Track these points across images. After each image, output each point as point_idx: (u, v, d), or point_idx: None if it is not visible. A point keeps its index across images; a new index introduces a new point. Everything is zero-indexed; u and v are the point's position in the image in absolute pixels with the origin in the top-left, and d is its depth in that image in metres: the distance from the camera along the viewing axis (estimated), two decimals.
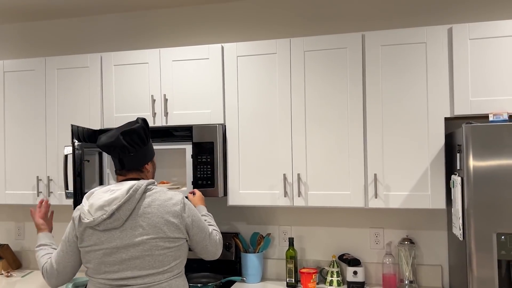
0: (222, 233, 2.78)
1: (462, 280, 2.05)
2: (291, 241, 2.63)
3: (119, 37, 3.11)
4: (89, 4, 2.94)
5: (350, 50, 2.36)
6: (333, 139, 2.38)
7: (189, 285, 2.50)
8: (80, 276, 2.80)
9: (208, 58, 2.55)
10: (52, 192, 2.75)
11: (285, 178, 2.43)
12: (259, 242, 2.69)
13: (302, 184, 2.42)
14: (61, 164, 2.73)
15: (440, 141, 2.24)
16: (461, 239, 2.01)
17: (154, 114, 2.61)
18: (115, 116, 2.68)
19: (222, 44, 2.54)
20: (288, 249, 2.62)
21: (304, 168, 2.41)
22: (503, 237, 1.85)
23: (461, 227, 1.99)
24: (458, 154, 2.05)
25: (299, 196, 2.41)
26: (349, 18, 2.73)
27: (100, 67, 2.70)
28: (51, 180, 2.75)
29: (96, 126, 2.69)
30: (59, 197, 2.73)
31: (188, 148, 2.48)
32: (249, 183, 2.48)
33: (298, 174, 2.41)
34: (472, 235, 1.88)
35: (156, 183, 1.89)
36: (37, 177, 2.76)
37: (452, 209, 2.16)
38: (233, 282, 2.64)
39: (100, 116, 2.70)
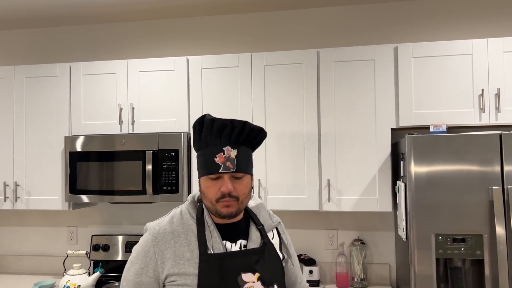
0: None
1: (407, 277, 2.25)
2: None
3: (88, 47, 3.19)
4: (59, 15, 3.02)
5: (306, 65, 2.55)
6: (291, 147, 2.56)
7: None
8: (44, 279, 2.86)
9: (174, 70, 2.68)
10: (19, 197, 2.80)
11: None
12: None
13: (262, 189, 2.57)
14: (29, 169, 2.79)
15: (386, 150, 2.45)
16: (404, 239, 2.21)
17: (121, 122, 2.72)
18: (83, 123, 2.76)
19: (187, 57, 2.68)
20: None
21: (264, 174, 2.57)
22: (440, 237, 2.05)
23: (404, 228, 2.19)
24: (402, 162, 2.26)
25: None
26: (306, 36, 2.92)
27: (68, 76, 2.79)
28: (18, 185, 2.80)
29: (64, 133, 2.77)
30: (26, 202, 2.79)
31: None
32: None
33: (259, 180, 2.57)
34: (414, 236, 2.08)
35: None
36: (4, 182, 2.81)
37: (397, 212, 2.37)
38: None
39: (68, 123, 2.78)
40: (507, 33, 2.71)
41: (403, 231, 2.21)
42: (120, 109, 2.72)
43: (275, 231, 1.47)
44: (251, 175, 1.38)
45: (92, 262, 2.97)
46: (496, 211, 1.98)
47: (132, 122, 2.71)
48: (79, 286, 2.50)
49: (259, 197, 2.56)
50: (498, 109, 2.34)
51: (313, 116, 2.53)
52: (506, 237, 1.97)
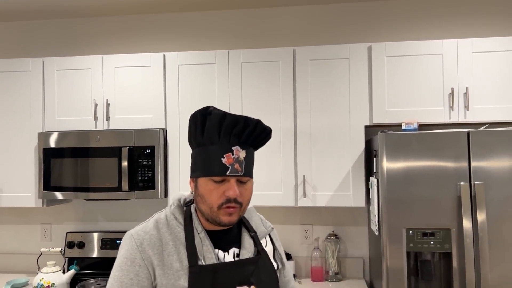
0: None
1: (379, 270, 2.32)
2: None
3: (62, 42, 3.14)
4: (33, 8, 2.96)
5: (283, 63, 2.58)
6: (268, 144, 2.58)
7: None
8: (17, 278, 2.82)
9: (150, 66, 2.67)
10: None
11: None
12: None
13: None
14: (1, 165, 2.74)
15: (360, 147, 2.51)
16: (377, 234, 2.27)
17: (96, 118, 2.69)
18: (57, 119, 2.72)
19: (164, 53, 2.67)
20: None
21: None
22: (411, 231, 2.12)
23: (377, 223, 2.25)
24: (375, 159, 2.32)
25: None
26: (282, 34, 2.95)
27: (42, 71, 2.74)
28: None
29: (38, 129, 2.72)
30: None
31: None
32: (189, 185, 2.63)
33: None
34: (386, 230, 2.14)
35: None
36: None
37: (370, 207, 2.44)
38: None
39: (41, 119, 2.73)
40: (476, 34, 2.80)
41: (376, 225, 2.27)
42: (95, 105, 2.69)
43: (268, 238, 1.36)
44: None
45: (66, 259, 2.94)
46: (463, 206, 2.05)
47: (108, 118, 2.68)
48: (53, 284, 2.48)
49: None
50: (467, 107, 2.42)
51: (289, 113, 2.56)
52: (473, 231, 2.05)
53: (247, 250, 1.25)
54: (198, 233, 1.21)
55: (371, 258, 2.70)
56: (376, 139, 2.29)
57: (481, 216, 2.03)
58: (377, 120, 2.49)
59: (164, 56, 2.67)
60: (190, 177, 1.23)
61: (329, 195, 2.52)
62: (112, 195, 2.59)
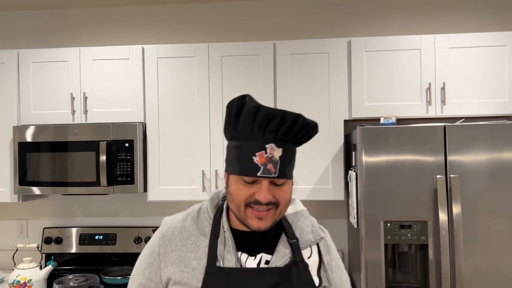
0: (142, 227, 2.88)
1: (358, 262, 2.35)
2: None
3: (37, 34, 3.07)
4: None
5: (263, 57, 2.57)
6: None
7: (110, 279, 2.59)
8: None
9: (128, 59, 2.63)
10: None
11: (203, 174, 2.59)
12: None
13: (219, 179, 2.59)
14: None
15: (339, 141, 2.53)
16: (356, 226, 2.30)
17: (73, 112, 2.64)
18: (33, 113, 2.67)
19: (143, 46, 2.64)
20: None
21: (221, 164, 2.59)
22: (388, 224, 2.15)
23: (355, 216, 2.28)
24: (353, 152, 2.35)
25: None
26: (263, 27, 2.95)
27: (17, 63, 2.67)
28: None
29: (12, 123, 2.66)
30: None
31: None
32: (169, 179, 2.61)
33: (216, 170, 2.59)
34: (364, 223, 2.17)
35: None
36: None
37: (349, 200, 2.46)
38: None
39: (16, 113, 2.67)
40: (453, 30, 2.84)
41: (354, 218, 2.29)
42: (73, 98, 2.64)
43: (315, 248, 1.16)
44: (292, 178, 1.11)
45: (44, 255, 2.89)
46: (439, 199, 2.09)
47: (85, 111, 2.64)
48: (30, 280, 2.44)
49: (216, 188, 2.58)
50: (443, 102, 2.46)
51: (270, 106, 2.56)
52: (448, 223, 2.09)
53: (279, 258, 1.10)
54: (224, 231, 1.11)
55: (350, 250, 2.74)
56: (355, 133, 2.31)
57: (456, 209, 2.08)
58: (356, 115, 2.51)
59: (143, 48, 2.63)
60: (224, 171, 1.12)
61: (309, 189, 2.54)
62: (90, 190, 2.56)
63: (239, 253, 1.10)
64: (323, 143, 2.54)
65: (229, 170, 1.08)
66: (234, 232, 1.12)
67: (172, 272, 1.10)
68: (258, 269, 1.08)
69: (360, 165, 2.19)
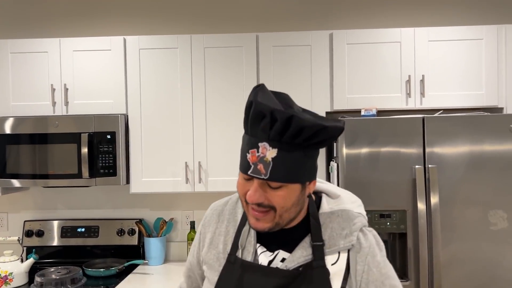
0: (125, 219, 2.88)
1: None
2: (192, 224, 2.82)
3: (16, 24, 3.01)
4: None
5: (246, 49, 2.58)
6: (231, 129, 2.59)
7: (92, 271, 2.59)
8: None
9: (110, 50, 2.61)
10: None
11: (186, 166, 2.59)
12: (162, 227, 2.84)
13: (202, 171, 2.60)
14: None
15: None
16: None
17: (54, 103, 2.61)
18: (12, 104, 2.62)
19: (124, 37, 2.62)
20: (190, 231, 2.81)
21: (204, 156, 2.60)
22: (368, 213, 2.19)
23: None
24: (335, 144, 2.38)
25: (199, 182, 2.60)
26: (246, 19, 2.95)
27: None
28: None
29: None
30: None
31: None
32: (152, 171, 2.61)
33: (199, 162, 2.59)
34: None
35: None
36: None
37: None
38: (137, 265, 2.77)
39: None
40: (432, 23, 2.89)
41: None
42: (53, 90, 2.61)
43: (344, 255, 1.04)
44: (301, 183, 0.98)
45: (25, 248, 2.87)
46: (418, 189, 2.15)
47: (66, 103, 2.61)
48: (11, 273, 2.42)
49: (200, 179, 2.59)
50: (423, 94, 2.51)
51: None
52: (426, 212, 2.15)
53: (295, 259, 1.03)
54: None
55: None
56: None
57: (434, 198, 2.13)
58: (337, 107, 2.55)
59: (124, 40, 2.61)
60: None
61: None
62: (72, 182, 2.54)
63: (258, 245, 1.07)
64: None
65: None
66: None
67: (205, 252, 1.15)
68: (264, 267, 1.03)
69: (341, 156, 2.23)
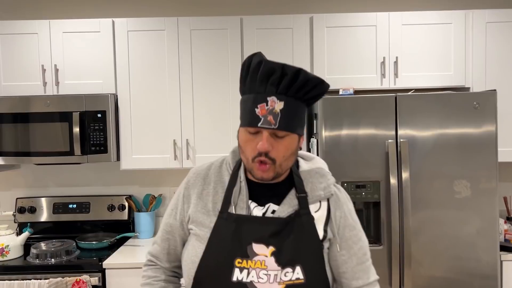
0: (115, 196, 3.01)
1: None
2: None
3: (4, 5, 3.05)
4: None
5: (231, 31, 2.70)
6: (217, 108, 2.73)
7: (85, 243, 2.72)
8: None
9: (99, 32, 2.70)
10: None
11: (174, 143, 2.73)
12: (151, 202, 2.98)
13: (190, 148, 2.74)
14: None
15: None
16: None
17: (45, 84, 2.70)
18: (3, 84, 2.70)
19: (113, 19, 2.71)
20: None
21: (192, 134, 2.73)
22: (346, 184, 2.38)
23: None
24: (315, 121, 2.54)
25: (187, 158, 2.74)
26: (231, 3, 3.06)
27: None
28: None
29: None
30: None
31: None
32: (141, 148, 2.74)
33: (187, 140, 2.73)
34: None
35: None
36: None
37: None
38: (127, 238, 2.91)
39: None
40: (406, 8, 3.06)
41: None
42: (44, 70, 2.69)
43: (324, 204, 1.23)
44: (300, 134, 1.16)
45: (18, 224, 2.97)
46: (390, 161, 2.33)
47: (57, 83, 2.70)
48: (8, 246, 2.53)
49: (188, 156, 2.72)
50: (396, 75, 2.69)
51: (238, 78, 2.71)
52: (398, 183, 2.34)
53: (284, 209, 1.18)
54: (240, 182, 1.21)
55: None
56: (315, 104, 2.50)
57: (405, 170, 2.32)
58: None
59: (113, 22, 2.71)
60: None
61: None
62: (65, 159, 2.65)
63: (250, 201, 1.20)
64: None
65: (241, 123, 1.17)
66: (249, 183, 1.22)
67: (192, 211, 1.23)
68: (261, 217, 1.17)
69: (320, 133, 2.39)
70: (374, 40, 2.69)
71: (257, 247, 1.14)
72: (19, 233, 2.93)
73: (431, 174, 2.35)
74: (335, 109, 2.38)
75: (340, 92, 2.60)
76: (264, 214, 1.19)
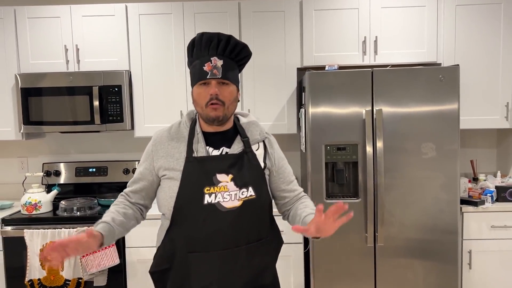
0: (129, 161, 3.41)
1: (306, 180, 2.96)
2: None
3: None
4: None
5: (230, 14, 3.06)
6: None
7: (105, 200, 3.14)
8: (2, 202, 3.24)
9: (114, 15, 3.07)
10: None
11: (181, 114, 3.11)
12: None
13: None
14: None
15: (293, 85, 3.10)
16: (304, 151, 2.91)
17: (67, 62, 3.08)
18: (31, 63, 3.09)
19: (126, 4, 3.07)
20: None
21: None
22: (328, 147, 2.76)
23: (304, 143, 2.88)
24: (303, 93, 2.92)
25: None
26: None
27: (14, 19, 3.06)
28: None
29: (14, 71, 3.08)
30: None
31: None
32: (152, 118, 3.13)
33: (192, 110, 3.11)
34: (310, 147, 2.77)
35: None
36: None
37: (300, 132, 3.06)
38: None
39: (16, 63, 3.08)
40: None
41: (303, 145, 2.90)
42: (66, 50, 3.07)
43: (261, 144, 1.66)
44: (237, 87, 1.59)
45: (45, 185, 3.39)
46: (366, 126, 2.71)
47: (78, 61, 3.08)
48: (40, 201, 2.95)
49: None
50: (376, 52, 3.05)
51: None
52: (373, 145, 2.73)
53: (234, 149, 1.59)
54: (197, 134, 1.60)
55: (302, 176, 3.37)
56: (305, 78, 2.87)
57: (379, 134, 2.71)
58: (307, 63, 3.07)
59: (126, 6, 3.07)
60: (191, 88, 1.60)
61: (269, 125, 3.12)
62: (86, 128, 3.05)
63: (208, 147, 1.59)
64: (280, 86, 3.10)
65: (192, 84, 1.58)
66: (204, 134, 1.62)
67: (162, 162, 1.59)
68: (220, 155, 1.59)
69: (308, 103, 2.77)
70: (357, 22, 3.04)
71: (220, 176, 1.54)
72: (47, 192, 3.35)
73: (402, 138, 2.73)
74: (321, 82, 2.75)
75: (326, 68, 2.96)
76: (220, 154, 1.60)
